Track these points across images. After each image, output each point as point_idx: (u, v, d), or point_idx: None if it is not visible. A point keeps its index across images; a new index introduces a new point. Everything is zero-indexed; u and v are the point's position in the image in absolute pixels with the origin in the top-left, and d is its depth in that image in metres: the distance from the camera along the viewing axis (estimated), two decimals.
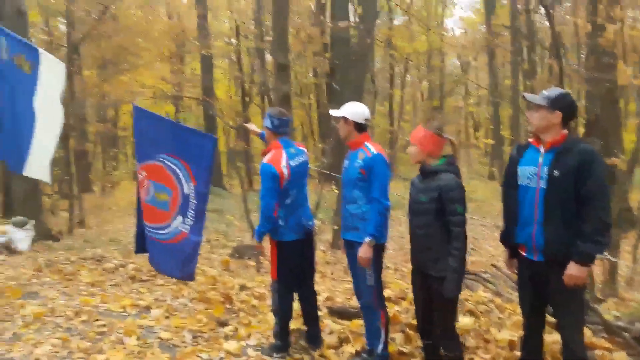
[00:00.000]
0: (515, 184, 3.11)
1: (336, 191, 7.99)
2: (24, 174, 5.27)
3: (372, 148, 3.62)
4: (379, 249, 3.65)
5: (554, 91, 3.02)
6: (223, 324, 4.60)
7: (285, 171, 3.74)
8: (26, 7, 10.06)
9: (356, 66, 12.76)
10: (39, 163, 5.05)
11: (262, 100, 21.07)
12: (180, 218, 4.30)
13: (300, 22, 19.03)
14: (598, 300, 5.13)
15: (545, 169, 2.92)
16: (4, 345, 4.29)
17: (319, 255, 6.67)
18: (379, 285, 3.74)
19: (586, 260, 2.84)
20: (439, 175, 3.22)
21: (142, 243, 4.64)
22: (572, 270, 2.84)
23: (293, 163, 3.82)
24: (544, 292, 3.04)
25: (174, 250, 4.39)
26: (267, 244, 4.10)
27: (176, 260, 4.43)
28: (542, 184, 2.93)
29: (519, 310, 3.57)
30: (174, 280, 5.80)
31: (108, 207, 14.56)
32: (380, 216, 3.52)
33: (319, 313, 4.29)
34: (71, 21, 14.22)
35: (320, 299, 4.30)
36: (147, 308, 5.12)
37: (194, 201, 4.22)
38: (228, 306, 5.04)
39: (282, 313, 3.99)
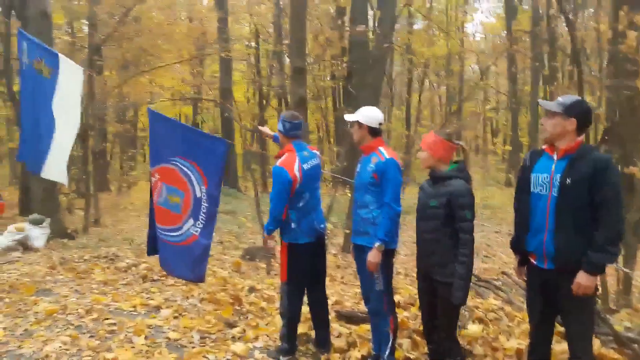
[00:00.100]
0: (527, 191, 3.07)
1: (349, 195, 7.96)
2: (42, 175, 5.35)
3: (385, 153, 3.61)
4: (388, 255, 3.63)
5: (569, 98, 2.97)
6: (231, 325, 4.61)
7: (298, 174, 3.75)
8: (50, 10, 10.23)
9: (373, 70, 12.74)
10: (56, 165, 5.14)
11: (279, 104, 21.15)
12: (191, 221, 4.32)
13: (320, 25, 19.08)
14: (611, 310, 5.03)
15: (558, 176, 2.88)
16: (15, 341, 4.36)
17: (330, 259, 6.65)
18: (389, 290, 3.72)
19: (596, 270, 2.79)
20: (449, 181, 3.21)
21: (154, 245, 4.67)
22: (581, 279, 2.79)
23: (306, 166, 3.82)
24: (554, 300, 2.99)
25: (185, 252, 4.42)
26: (278, 245, 4.11)
27: (187, 263, 4.45)
28: (554, 192, 2.88)
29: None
30: (185, 280, 5.83)
31: (124, 206, 14.71)
32: (391, 221, 3.50)
33: None
34: (93, 23, 14.43)
35: (328, 302, 4.28)
36: (157, 308, 5.16)
37: (205, 204, 4.25)
38: (237, 308, 5.05)
39: (290, 316, 3.98)
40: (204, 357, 3.98)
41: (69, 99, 4.82)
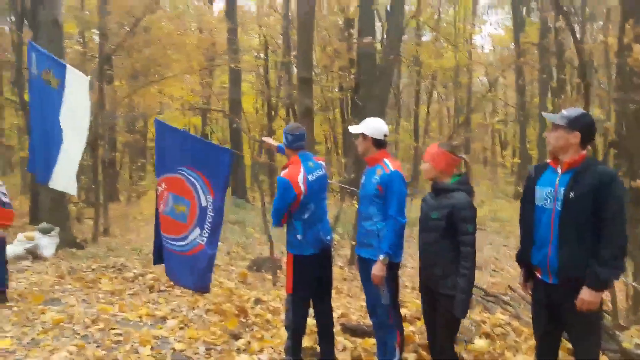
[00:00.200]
0: (532, 204, 3.06)
1: (356, 206, 7.96)
2: (50, 186, 5.40)
3: (390, 165, 3.60)
4: (393, 268, 3.61)
5: (573, 111, 2.96)
6: (236, 337, 4.61)
7: (302, 186, 3.75)
8: (62, 18, 10.36)
9: (380, 82, 12.79)
10: (64, 176, 5.19)
11: (287, 114, 21.24)
12: (197, 230, 4.35)
13: (328, 37, 19.21)
14: (620, 327, 4.96)
15: (562, 190, 2.86)
16: (22, 350, 4.39)
17: (336, 271, 6.64)
18: (395, 304, 3.70)
19: (600, 285, 2.76)
20: (452, 193, 3.21)
21: (160, 254, 4.70)
22: (585, 295, 2.77)
23: (311, 177, 3.82)
24: (559, 315, 2.97)
25: (190, 262, 4.44)
26: (284, 257, 4.11)
27: (192, 272, 4.47)
28: (558, 206, 2.87)
29: None
30: (191, 291, 5.85)
31: (133, 216, 14.79)
32: (396, 234, 3.49)
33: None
34: (104, 33, 14.61)
35: (334, 315, 4.27)
36: (163, 318, 5.17)
37: (211, 214, 4.27)
38: (242, 319, 5.05)
39: (295, 328, 3.96)
40: None
41: (76, 109, 4.88)
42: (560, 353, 3.25)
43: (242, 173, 19.51)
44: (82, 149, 5.04)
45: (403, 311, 4.99)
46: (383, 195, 3.54)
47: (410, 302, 5.62)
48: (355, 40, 14.31)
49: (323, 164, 4.09)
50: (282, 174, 3.82)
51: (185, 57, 19.67)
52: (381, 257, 3.47)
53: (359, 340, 4.48)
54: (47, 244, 8.80)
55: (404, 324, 4.40)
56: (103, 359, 4.18)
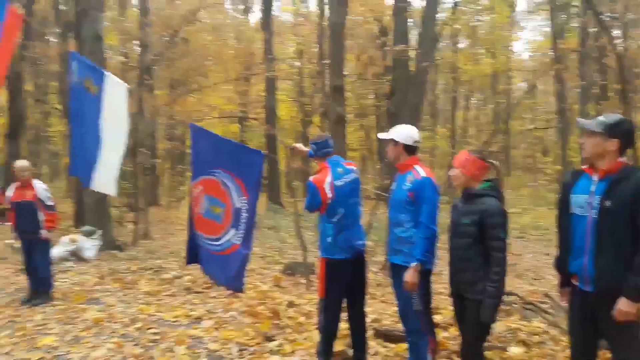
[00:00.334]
0: (568, 212, 2.99)
1: None
2: (92, 188, 5.61)
3: (421, 171, 3.58)
4: (425, 275, 3.59)
5: (611, 117, 2.86)
6: (269, 338, 4.66)
7: (329, 192, 3.80)
8: (102, 32, 10.82)
9: (414, 88, 12.75)
10: (105, 178, 5.38)
11: (322, 121, 21.35)
12: (233, 231, 4.43)
13: (363, 44, 19.27)
14: None
15: (597, 198, 2.78)
16: (65, 346, 4.58)
17: (370, 276, 6.62)
18: (427, 310, 3.67)
19: (637, 296, 2.68)
20: (482, 199, 3.19)
21: (193, 255, 4.81)
22: (623, 305, 2.69)
23: (338, 183, 3.86)
24: (595, 323, 2.90)
25: (226, 261, 4.53)
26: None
27: (227, 272, 4.56)
28: (594, 214, 2.79)
29: None
30: (226, 293, 5.96)
31: (172, 220, 15.10)
32: (428, 241, 3.46)
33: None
34: (144, 44, 15.06)
35: (367, 320, 4.27)
36: (199, 319, 5.28)
37: (245, 214, 4.35)
38: (275, 321, 5.10)
39: (326, 332, 3.98)
40: None
41: (115, 115, 5.05)
42: None
43: (277, 179, 19.72)
44: (122, 152, 5.20)
45: (437, 317, 4.95)
46: (414, 202, 3.52)
47: (446, 308, 5.56)
48: (388, 48, 14.32)
49: (354, 168, 4.11)
50: (311, 178, 3.91)
51: (223, 67, 20.09)
52: (413, 264, 3.44)
53: (391, 345, 4.46)
54: (90, 246, 9.11)
55: (437, 330, 4.37)
56: (140, 356, 4.31)
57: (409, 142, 3.67)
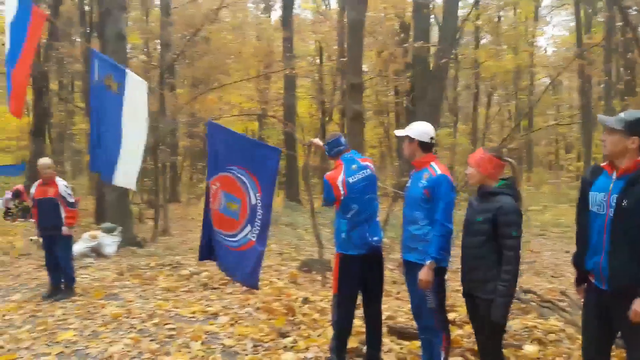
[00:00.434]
0: (587, 209, 2.94)
1: None
2: (114, 183, 5.71)
3: (437, 168, 3.54)
4: (440, 273, 3.56)
5: (631, 114, 2.79)
6: (284, 335, 4.68)
7: (342, 189, 3.82)
8: (125, 31, 10.97)
9: (433, 85, 12.64)
10: (126, 174, 5.45)
11: (341, 118, 21.35)
12: (249, 227, 4.45)
13: (384, 41, 19.17)
14: None
15: (614, 197, 2.73)
16: (83, 341, 4.67)
17: (386, 273, 6.59)
18: (441, 308, 3.64)
19: None
20: (497, 197, 3.15)
21: (206, 252, 4.85)
22: (637, 306, 2.64)
23: (351, 179, 3.86)
24: (610, 321, 2.85)
25: (242, 258, 4.55)
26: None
27: (243, 268, 4.58)
28: (611, 213, 2.73)
29: None
30: (242, 289, 6.01)
31: (192, 217, 15.27)
32: (443, 239, 3.43)
33: None
34: (165, 43, 15.22)
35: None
36: (215, 315, 5.34)
37: (260, 211, 4.37)
38: (290, 318, 5.13)
39: (340, 328, 3.98)
40: None
41: (136, 111, 5.12)
42: None
43: (295, 176, 19.77)
44: (143, 148, 5.27)
45: (452, 315, 4.92)
46: (430, 200, 3.49)
47: (461, 306, 5.51)
48: (406, 45, 14.21)
49: (369, 164, 4.09)
50: (326, 175, 3.94)
51: (243, 64, 20.21)
52: (428, 262, 3.42)
53: (405, 343, 4.44)
54: (110, 243, 9.26)
55: (452, 327, 4.34)
56: (156, 352, 4.37)
57: (425, 139, 3.64)
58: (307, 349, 4.38)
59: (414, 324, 4.25)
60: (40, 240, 6.74)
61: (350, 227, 3.87)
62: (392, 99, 21.64)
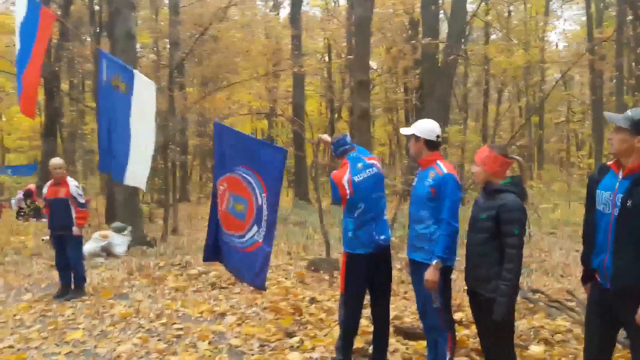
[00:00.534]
0: (594, 207, 2.92)
1: None
2: (125, 183, 5.77)
3: (443, 167, 3.53)
4: (446, 272, 3.55)
5: (638, 112, 2.73)
6: (290, 334, 4.70)
7: (347, 188, 3.81)
8: (135, 30, 11.03)
9: (442, 82, 12.59)
10: (136, 174, 5.51)
11: (350, 116, 21.32)
12: (255, 228, 4.46)
13: (392, 38, 19.12)
14: None
15: (620, 196, 2.70)
16: (92, 340, 4.72)
17: (393, 273, 6.60)
18: (447, 308, 3.63)
19: None
20: (501, 194, 3.14)
21: (211, 253, 4.87)
22: None
23: (357, 178, 3.86)
24: (613, 320, 2.83)
25: (249, 258, 4.57)
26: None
27: (250, 268, 4.59)
28: (616, 212, 2.71)
29: None
30: (250, 289, 6.03)
31: (201, 216, 15.32)
32: (449, 238, 3.42)
33: None
34: (174, 42, 15.28)
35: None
36: (222, 314, 5.38)
37: (266, 212, 4.38)
38: (297, 317, 5.14)
39: (346, 327, 3.97)
40: None
41: (144, 112, 5.16)
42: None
43: (304, 175, 19.77)
44: (152, 148, 5.31)
45: (459, 315, 4.91)
46: (436, 198, 3.48)
47: (468, 305, 5.50)
48: (414, 41, 14.18)
49: (376, 162, 4.08)
50: (332, 173, 3.96)
51: (252, 63, 20.23)
52: (434, 261, 3.41)
53: (411, 343, 4.44)
54: (120, 242, 9.34)
55: (458, 327, 4.33)
56: (164, 351, 4.41)
57: (431, 137, 3.62)
58: (313, 348, 4.39)
59: (421, 324, 4.25)
60: (49, 238, 6.82)
61: (357, 226, 3.87)
62: (402, 96, 21.57)
